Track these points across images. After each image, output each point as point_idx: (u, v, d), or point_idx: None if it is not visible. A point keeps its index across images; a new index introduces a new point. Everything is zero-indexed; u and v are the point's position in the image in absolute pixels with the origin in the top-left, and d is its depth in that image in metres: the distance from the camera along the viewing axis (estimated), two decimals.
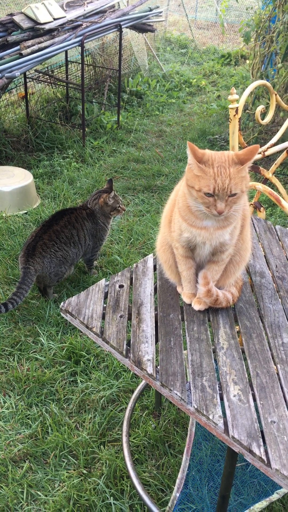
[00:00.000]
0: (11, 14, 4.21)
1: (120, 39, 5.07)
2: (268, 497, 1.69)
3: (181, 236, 1.37)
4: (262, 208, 2.19)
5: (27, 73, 4.83)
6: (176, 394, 1.19)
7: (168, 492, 1.85)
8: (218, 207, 1.23)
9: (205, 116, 5.86)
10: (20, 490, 1.86)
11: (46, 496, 1.84)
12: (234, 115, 2.00)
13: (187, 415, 2.12)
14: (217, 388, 1.20)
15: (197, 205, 1.27)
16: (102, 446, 2.01)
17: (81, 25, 4.53)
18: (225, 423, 1.12)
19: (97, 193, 2.96)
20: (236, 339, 1.35)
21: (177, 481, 1.48)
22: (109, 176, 4.29)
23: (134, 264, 1.65)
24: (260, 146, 2.30)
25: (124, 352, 1.31)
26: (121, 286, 1.55)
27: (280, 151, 2.37)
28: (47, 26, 4.22)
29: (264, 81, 2.16)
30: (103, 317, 1.43)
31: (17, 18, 4.12)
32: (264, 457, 1.05)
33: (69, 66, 5.47)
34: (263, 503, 1.66)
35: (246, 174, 1.24)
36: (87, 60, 5.84)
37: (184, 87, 6.96)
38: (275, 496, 1.69)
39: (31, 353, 2.45)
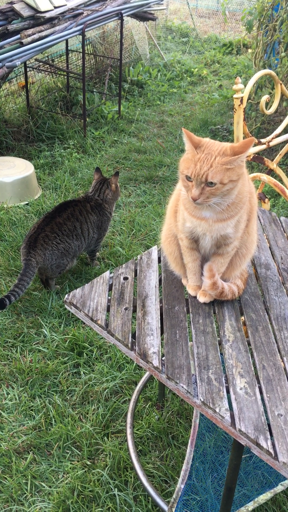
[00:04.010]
0: (11, 3, 4.15)
1: (121, 27, 5.02)
2: (272, 488, 1.70)
3: (184, 226, 1.36)
4: (266, 199, 2.18)
5: (27, 62, 4.78)
6: (182, 387, 1.18)
7: (172, 483, 1.86)
8: (192, 192, 1.23)
9: (207, 106, 5.81)
10: (24, 481, 1.86)
11: (50, 487, 1.84)
12: (239, 105, 1.98)
13: (190, 407, 2.12)
14: (224, 381, 1.20)
15: (182, 188, 1.29)
16: (105, 438, 2.01)
17: (82, 13, 4.47)
18: (232, 416, 1.12)
19: (99, 184, 2.94)
20: (242, 331, 1.35)
21: (182, 472, 1.48)
22: (110, 167, 4.26)
23: (139, 256, 1.64)
24: (263, 137, 2.28)
25: (129, 345, 1.30)
26: (125, 278, 1.54)
27: (285, 142, 2.35)
28: (47, 15, 4.17)
29: (269, 71, 2.13)
30: (108, 310, 1.42)
31: (17, 7, 4.07)
32: (271, 450, 1.05)
33: (70, 55, 5.42)
34: (267, 495, 1.67)
35: (236, 167, 1.20)
36: (87, 49, 5.78)
37: (186, 77, 6.90)
38: (279, 488, 1.70)
39: (34, 344, 2.45)
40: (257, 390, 1.17)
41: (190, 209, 1.31)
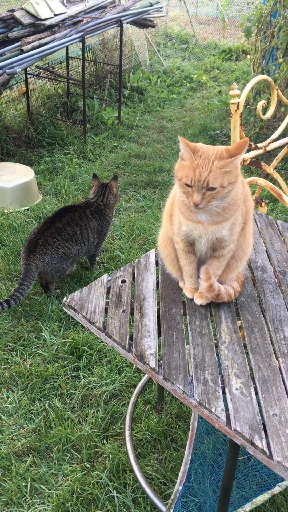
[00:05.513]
0: (12, 10, 4.20)
1: (121, 34, 5.06)
2: (270, 490, 1.71)
3: (180, 229, 1.38)
4: (263, 203, 2.20)
5: (28, 69, 4.83)
6: (179, 387, 1.20)
7: (170, 485, 1.86)
8: (194, 198, 1.24)
9: (206, 111, 5.85)
10: (23, 484, 1.87)
11: (49, 489, 1.85)
12: (236, 110, 2.00)
13: (189, 409, 2.13)
14: (219, 381, 1.21)
15: (181, 195, 1.30)
16: (105, 440, 2.03)
17: (82, 20, 4.52)
18: (227, 416, 1.13)
19: (100, 189, 2.96)
20: (238, 333, 1.36)
21: (180, 474, 1.49)
22: (110, 172, 4.29)
23: (136, 259, 1.66)
24: (261, 141, 2.31)
25: (126, 347, 1.32)
26: (123, 281, 1.56)
27: (282, 146, 2.37)
28: (47, 22, 4.22)
29: (265, 76, 2.16)
30: (106, 312, 1.44)
31: (17, 14, 4.12)
32: (266, 450, 1.06)
33: (70, 62, 5.46)
34: (265, 496, 1.68)
35: (233, 169, 1.23)
36: (88, 56, 5.83)
37: (185, 83, 6.95)
38: (277, 489, 1.71)
39: (34, 348, 2.46)
40: (252, 390, 1.19)
41: (186, 213, 1.33)
